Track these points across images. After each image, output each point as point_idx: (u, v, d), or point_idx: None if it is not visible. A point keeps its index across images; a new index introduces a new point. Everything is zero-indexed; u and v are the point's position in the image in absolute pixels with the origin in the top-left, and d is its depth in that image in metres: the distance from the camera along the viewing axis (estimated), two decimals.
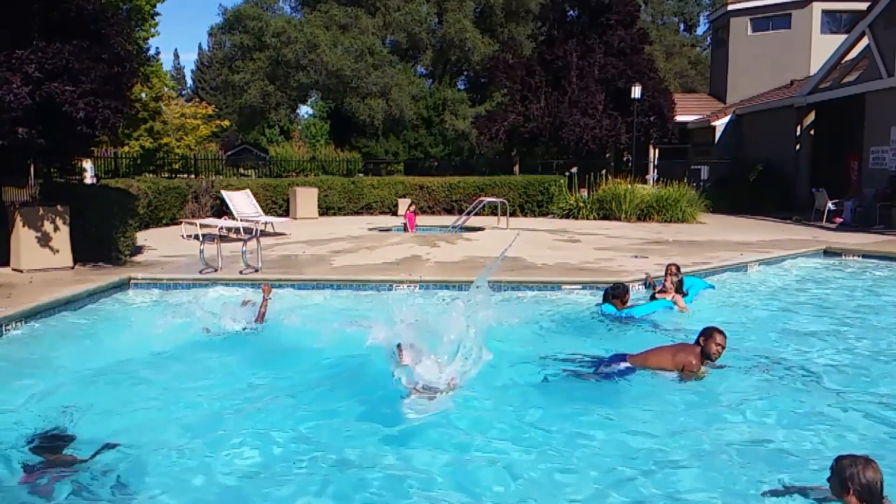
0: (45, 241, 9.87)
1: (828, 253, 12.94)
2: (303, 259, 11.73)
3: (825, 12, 26.30)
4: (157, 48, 45.50)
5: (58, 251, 10.00)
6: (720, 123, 26.58)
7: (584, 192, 21.52)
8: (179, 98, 35.66)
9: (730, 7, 28.38)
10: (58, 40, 8.23)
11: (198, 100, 36.25)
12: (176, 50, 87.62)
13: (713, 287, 9.58)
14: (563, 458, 4.60)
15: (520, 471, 4.39)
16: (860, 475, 3.27)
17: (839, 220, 17.47)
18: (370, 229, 16.75)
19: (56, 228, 9.96)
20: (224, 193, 16.92)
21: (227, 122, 34.07)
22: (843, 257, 12.63)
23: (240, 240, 13.82)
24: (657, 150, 27.63)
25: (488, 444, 4.79)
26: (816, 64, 23.01)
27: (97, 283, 8.96)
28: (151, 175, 23.46)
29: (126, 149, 25.02)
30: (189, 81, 72.30)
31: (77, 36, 8.50)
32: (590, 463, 4.52)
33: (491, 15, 35.80)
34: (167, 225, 17.04)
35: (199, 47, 67.46)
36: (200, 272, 9.94)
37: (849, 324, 8.14)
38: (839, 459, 3.44)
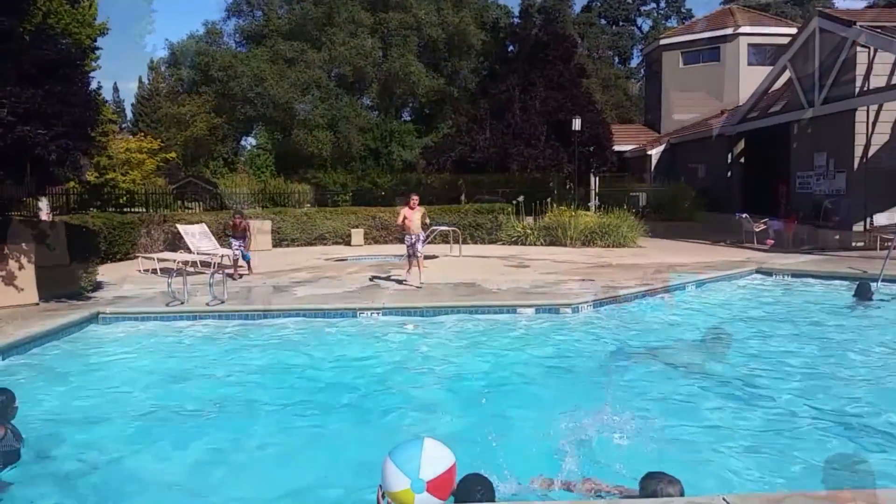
0: (10, 279, 9.99)
1: (760, 272, 13.90)
2: (266, 290, 12.03)
3: (751, 45, 28.02)
4: (98, 83, 44.88)
5: (23, 289, 10.11)
6: (655, 152, 27.92)
7: (531, 220, 22.28)
8: (123, 132, 35.37)
9: (662, 41, 29.98)
10: (31, 85, 8.48)
11: (143, 134, 35.94)
12: (115, 83, 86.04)
13: None
14: None
15: None
16: (661, 493, 3.47)
17: (771, 241, 18.61)
18: (327, 259, 17.10)
19: (21, 266, 10.09)
20: (180, 227, 17.03)
21: (173, 154, 33.91)
22: (774, 276, 13.61)
23: (198, 273, 14.07)
24: (598, 178, 28.77)
25: None
26: (745, 93, 24.49)
27: (68, 318, 9.15)
28: (96, 210, 23.26)
29: (71, 184, 24.76)
30: (129, 114, 71.24)
31: (49, 80, 8.76)
32: None
33: (434, 50, 36.78)
34: (121, 260, 17.04)
35: (140, 80, 66.71)
36: (167, 305, 10.18)
37: (781, 335, 8.94)
38: (643, 479, 3.61)
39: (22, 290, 10.09)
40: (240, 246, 14.13)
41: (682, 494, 3.49)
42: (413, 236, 12.32)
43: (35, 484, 4.71)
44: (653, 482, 3.55)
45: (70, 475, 4.92)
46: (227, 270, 12.93)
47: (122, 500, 4.57)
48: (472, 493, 3.37)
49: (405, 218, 12.38)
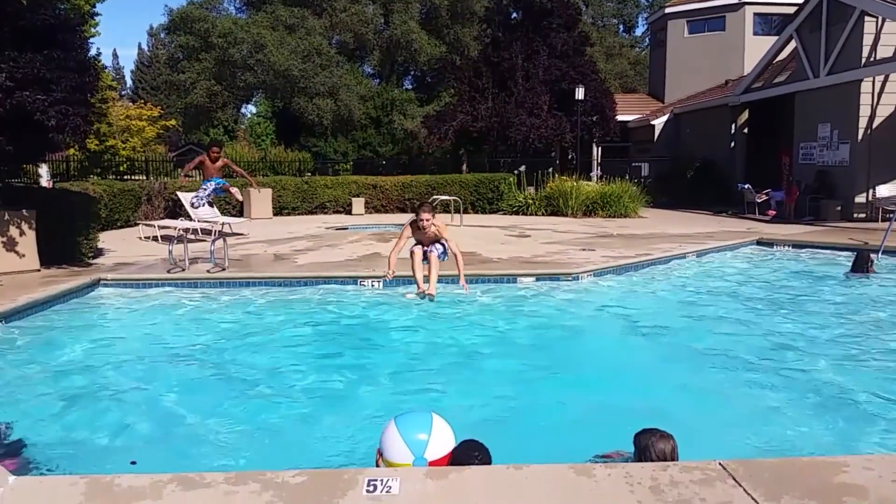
0: (11, 245, 9.99)
1: (760, 243, 13.92)
2: (267, 258, 12.06)
3: (757, 15, 27.63)
4: (98, 49, 44.47)
5: (24, 255, 10.12)
6: (659, 122, 27.71)
7: (532, 190, 22.25)
8: (123, 99, 35.16)
9: (667, 10, 29.56)
10: (29, 50, 8.42)
11: (142, 102, 35.78)
12: (115, 50, 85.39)
13: None
14: None
15: None
16: (653, 447, 3.54)
17: (773, 212, 18.59)
18: (327, 228, 17.11)
19: (22, 233, 10.08)
20: (181, 195, 17.02)
21: (173, 122, 33.74)
22: (775, 247, 13.64)
23: (199, 240, 14.08)
24: (600, 149, 28.64)
25: None
26: (750, 64, 24.22)
27: (69, 284, 9.17)
28: (97, 177, 23.24)
29: (71, 151, 24.70)
30: (129, 81, 70.89)
31: (47, 45, 8.69)
32: None
33: (436, 16, 36.33)
34: (122, 227, 17.07)
35: (139, 47, 66.31)
36: (168, 272, 10.20)
37: (776, 305, 8.98)
38: (637, 435, 3.66)
39: (23, 256, 10.10)
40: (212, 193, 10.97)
41: (675, 450, 3.55)
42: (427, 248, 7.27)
43: (36, 448, 4.75)
44: (645, 437, 3.61)
45: (70, 438, 4.97)
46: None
47: (123, 462, 4.61)
48: (470, 459, 3.41)
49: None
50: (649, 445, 3.54)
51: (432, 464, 3.25)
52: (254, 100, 44.48)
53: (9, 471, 3.27)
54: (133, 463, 4.50)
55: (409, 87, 41.38)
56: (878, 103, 17.21)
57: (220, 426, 5.24)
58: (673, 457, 3.52)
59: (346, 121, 34.41)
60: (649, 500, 2.83)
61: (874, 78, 17.07)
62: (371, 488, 2.93)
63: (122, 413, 5.48)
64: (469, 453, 3.44)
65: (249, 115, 60.77)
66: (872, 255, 11.13)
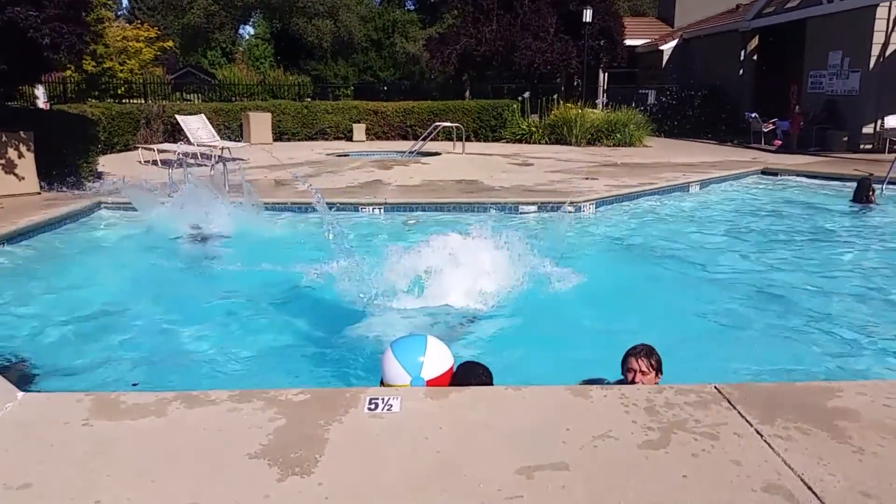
0: (10, 167, 9.91)
1: (765, 173, 13.83)
2: (267, 184, 12.00)
3: None
4: None
5: (23, 178, 10.05)
6: (668, 47, 27.04)
7: (536, 118, 21.92)
8: (119, 19, 34.22)
9: None
10: None
11: (139, 22, 34.89)
12: None
13: None
14: None
15: None
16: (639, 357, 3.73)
17: (778, 142, 18.36)
18: (328, 154, 16.95)
19: (21, 155, 9.99)
20: (179, 118, 16.82)
21: (170, 43, 33.00)
22: (780, 177, 13.56)
23: (199, 165, 14.00)
24: (606, 75, 28.04)
25: None
26: None
27: (70, 207, 9.17)
28: (94, 100, 22.90)
29: (68, 73, 24.24)
30: (124, 1, 69.00)
31: None
32: None
33: None
34: (121, 151, 16.93)
35: None
36: (169, 196, 10.15)
37: (777, 234, 8.99)
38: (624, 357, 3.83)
39: (22, 178, 10.03)
40: None
41: (658, 362, 3.70)
42: None
43: (40, 369, 4.82)
44: (632, 349, 3.78)
45: (74, 359, 5.04)
46: None
47: (125, 383, 4.70)
48: (472, 379, 3.47)
49: None
50: (640, 352, 3.74)
51: (430, 383, 3.31)
52: (252, 20, 43.45)
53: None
54: (135, 385, 4.57)
55: (412, 7, 40.29)
56: (892, 30, 16.74)
57: (222, 347, 5.31)
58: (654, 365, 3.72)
59: (346, 43, 33.71)
60: (644, 420, 2.89)
61: (890, 3, 16.55)
62: (372, 406, 2.99)
63: (124, 334, 5.55)
64: (471, 374, 3.50)
65: (248, 37, 59.35)
66: (876, 186, 11.05)
